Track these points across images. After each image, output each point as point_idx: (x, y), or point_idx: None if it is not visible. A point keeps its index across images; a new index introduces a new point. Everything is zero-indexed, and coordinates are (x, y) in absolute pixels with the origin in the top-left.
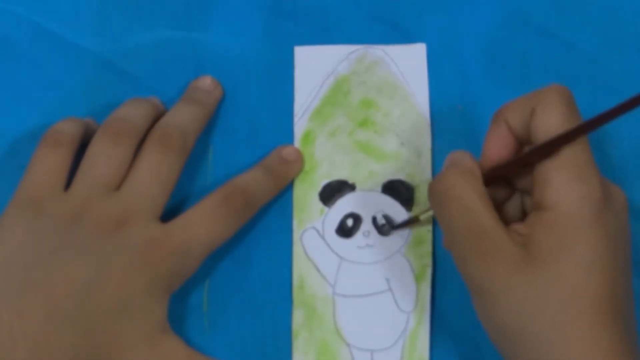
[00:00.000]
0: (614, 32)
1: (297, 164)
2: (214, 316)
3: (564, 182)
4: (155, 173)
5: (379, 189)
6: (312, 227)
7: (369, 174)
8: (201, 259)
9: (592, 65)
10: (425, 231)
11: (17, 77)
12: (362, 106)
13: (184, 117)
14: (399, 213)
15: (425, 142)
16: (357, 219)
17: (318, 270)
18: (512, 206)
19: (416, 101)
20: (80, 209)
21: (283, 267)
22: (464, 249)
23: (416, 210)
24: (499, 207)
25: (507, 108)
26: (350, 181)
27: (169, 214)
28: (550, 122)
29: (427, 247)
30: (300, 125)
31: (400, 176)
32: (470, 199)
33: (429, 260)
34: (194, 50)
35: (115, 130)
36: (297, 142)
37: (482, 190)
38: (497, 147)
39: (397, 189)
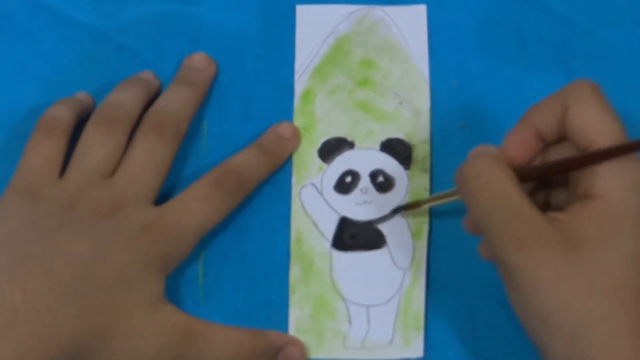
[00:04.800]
0: (609, 5)
1: (293, 141)
2: (210, 273)
3: (612, 173)
4: (148, 160)
5: (378, 147)
6: (311, 183)
7: (367, 132)
8: (195, 241)
9: (588, 39)
10: (422, 189)
11: (14, 50)
12: (362, 66)
13: (177, 101)
14: (397, 171)
15: (424, 102)
16: (355, 175)
17: (316, 226)
18: (537, 199)
19: (416, 62)
20: (76, 195)
21: (281, 223)
22: (501, 235)
23: (414, 169)
24: None
25: (535, 109)
26: (349, 139)
27: (163, 189)
28: (587, 118)
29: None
30: (300, 83)
31: (399, 135)
32: (505, 183)
33: (425, 218)
34: (190, 19)
35: (108, 117)
36: (297, 100)
37: (513, 176)
38: (517, 150)
39: (395, 147)
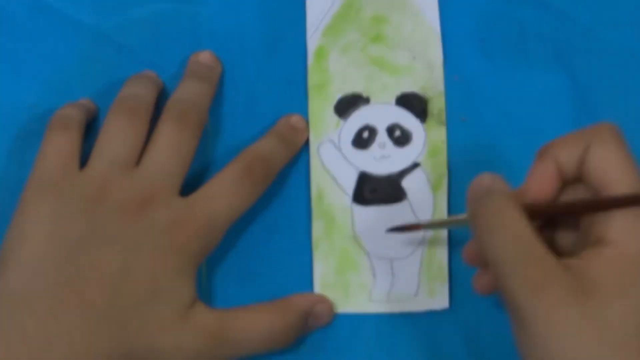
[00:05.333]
0: (610, 4)
1: (305, 133)
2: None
3: (629, 220)
4: (173, 149)
5: (393, 101)
6: (329, 139)
7: (382, 87)
8: (225, 230)
9: (588, 37)
10: (439, 142)
11: (15, 49)
12: (374, 22)
13: (196, 93)
14: (413, 125)
15: (437, 55)
16: (372, 131)
17: (336, 182)
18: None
19: (426, 16)
20: (101, 188)
21: (301, 180)
22: (514, 277)
23: (430, 122)
24: None
25: (557, 144)
26: (365, 94)
27: None
28: (607, 161)
29: (443, 157)
30: (313, 41)
31: (414, 89)
32: (520, 225)
33: (444, 170)
34: (191, 19)
35: (128, 107)
36: (311, 58)
37: (527, 217)
38: (542, 185)
39: (410, 102)
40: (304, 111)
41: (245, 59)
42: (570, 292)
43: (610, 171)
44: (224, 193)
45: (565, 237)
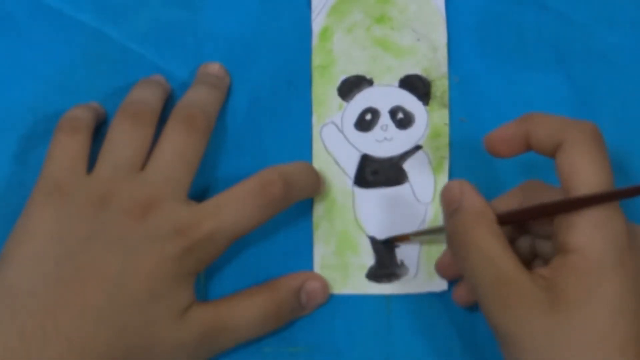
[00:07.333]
0: (609, 4)
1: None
2: None
3: (590, 226)
4: (180, 153)
5: (396, 83)
6: (331, 121)
7: (386, 69)
8: (228, 245)
9: (587, 38)
10: (442, 124)
11: (17, 51)
12: (379, 2)
13: (204, 98)
14: (416, 107)
15: (441, 37)
16: (375, 113)
17: (337, 164)
18: (522, 246)
19: None
20: (107, 192)
21: None
22: (488, 297)
23: (433, 105)
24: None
25: (537, 123)
26: (368, 76)
27: None
28: (579, 167)
29: (444, 140)
30: (318, 22)
31: (417, 71)
32: (489, 244)
33: (446, 152)
34: (195, 17)
35: (134, 111)
36: (315, 38)
37: (499, 232)
38: (503, 143)
39: (414, 84)
40: (307, 94)
41: (250, 40)
42: (540, 306)
43: (578, 174)
44: (232, 208)
45: (543, 245)
